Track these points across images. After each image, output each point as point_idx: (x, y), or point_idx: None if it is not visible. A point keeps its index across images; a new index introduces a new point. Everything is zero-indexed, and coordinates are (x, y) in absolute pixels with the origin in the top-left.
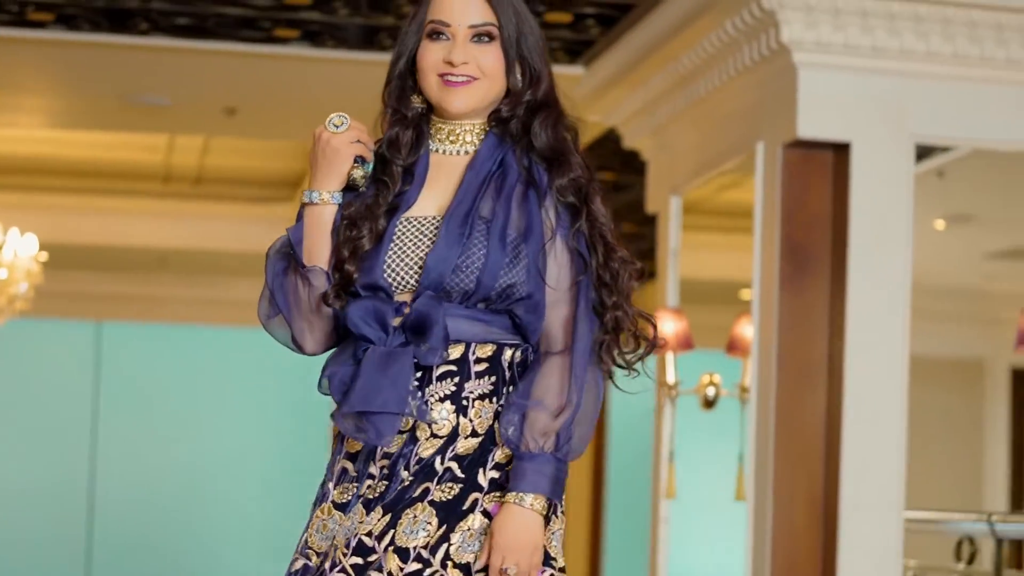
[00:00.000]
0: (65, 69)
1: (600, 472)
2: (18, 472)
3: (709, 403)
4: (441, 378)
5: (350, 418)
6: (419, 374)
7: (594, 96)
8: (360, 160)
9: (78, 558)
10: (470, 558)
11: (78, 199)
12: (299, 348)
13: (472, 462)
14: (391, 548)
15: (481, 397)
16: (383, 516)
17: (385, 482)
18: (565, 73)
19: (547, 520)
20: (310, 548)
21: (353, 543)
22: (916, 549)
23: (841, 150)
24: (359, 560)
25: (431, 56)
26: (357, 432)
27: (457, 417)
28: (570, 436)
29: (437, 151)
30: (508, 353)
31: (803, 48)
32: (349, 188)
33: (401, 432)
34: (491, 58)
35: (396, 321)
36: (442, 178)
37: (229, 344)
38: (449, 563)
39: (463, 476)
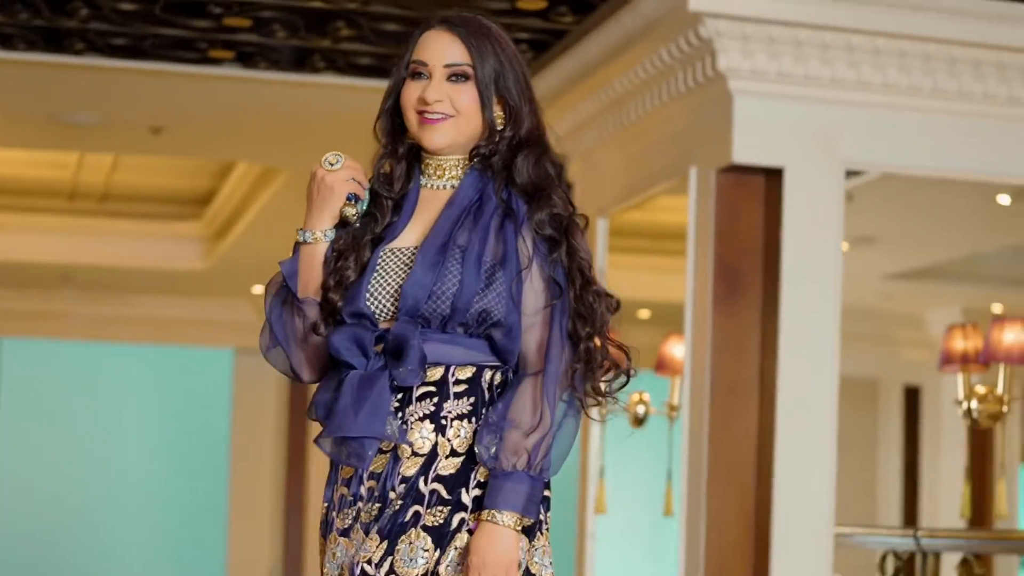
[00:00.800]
0: None
1: None
2: None
3: (639, 421)
4: (420, 399)
5: (332, 442)
6: (399, 395)
7: None
8: (354, 197)
9: None
10: None
11: None
12: (297, 376)
13: (455, 482)
14: None
15: (459, 417)
16: (380, 543)
17: (379, 504)
18: None
19: (530, 537)
20: None
21: (357, 572)
22: (837, 564)
23: (773, 175)
24: None
25: (410, 94)
26: (339, 456)
27: (436, 436)
28: (544, 454)
29: (426, 185)
30: (488, 375)
31: (739, 76)
32: (342, 223)
33: (383, 452)
34: (466, 97)
35: (377, 347)
36: (427, 211)
37: (130, 361)
38: None
39: (449, 498)
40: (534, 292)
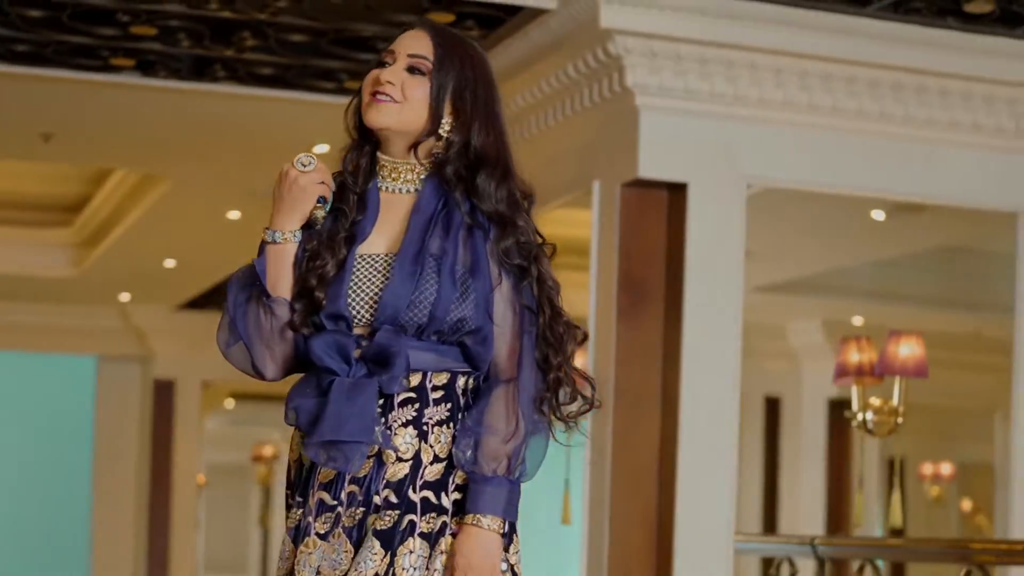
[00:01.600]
0: None
1: None
2: None
3: None
4: (402, 404)
5: (320, 447)
6: (381, 401)
7: None
8: (321, 199)
9: None
10: None
11: None
12: (259, 374)
13: (440, 487)
14: None
15: (439, 423)
16: (385, 556)
17: (363, 508)
18: None
19: (509, 539)
20: None
21: None
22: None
23: (676, 189)
24: None
25: (370, 79)
26: (328, 461)
27: (419, 442)
28: (522, 460)
29: (383, 188)
30: (461, 381)
31: (646, 92)
32: (307, 224)
33: (368, 457)
34: (416, 89)
35: (357, 353)
36: (391, 216)
37: None
38: None
39: (437, 503)
40: (504, 301)
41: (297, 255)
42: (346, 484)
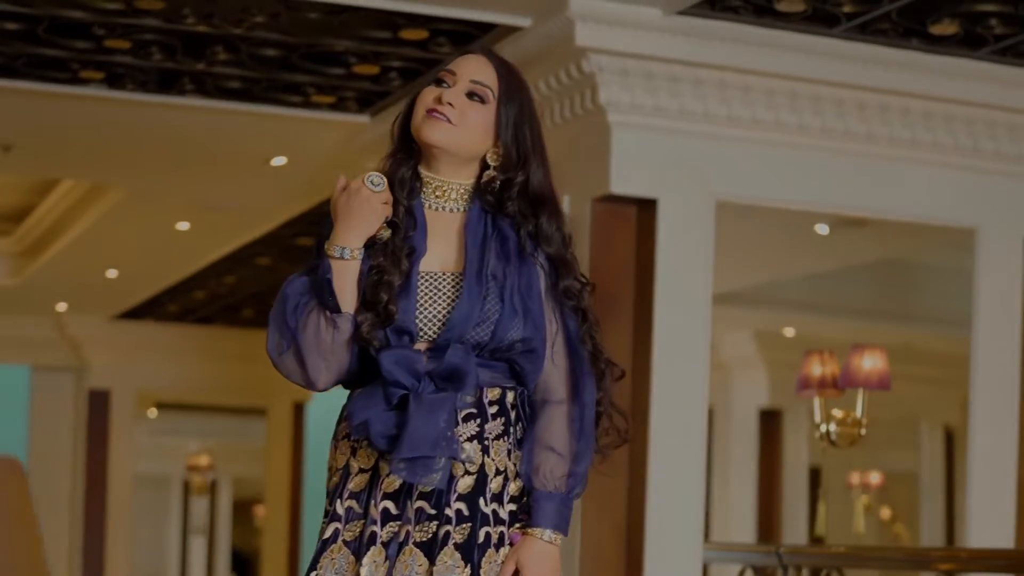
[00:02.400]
0: None
1: (298, 506)
2: None
3: None
4: (466, 420)
5: (405, 463)
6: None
7: (379, 144)
8: (386, 219)
9: None
10: None
11: None
12: (310, 383)
13: (500, 500)
14: None
15: (497, 437)
16: (465, 567)
17: (435, 522)
18: (350, 121)
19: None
20: None
21: None
22: None
23: (645, 205)
24: None
25: (427, 95)
26: (414, 476)
27: (483, 456)
28: (582, 479)
29: (428, 206)
30: (510, 396)
31: (618, 109)
32: (369, 241)
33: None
34: (477, 116)
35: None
36: (440, 234)
37: None
38: None
39: (501, 515)
40: (556, 323)
41: (362, 270)
42: (415, 498)
